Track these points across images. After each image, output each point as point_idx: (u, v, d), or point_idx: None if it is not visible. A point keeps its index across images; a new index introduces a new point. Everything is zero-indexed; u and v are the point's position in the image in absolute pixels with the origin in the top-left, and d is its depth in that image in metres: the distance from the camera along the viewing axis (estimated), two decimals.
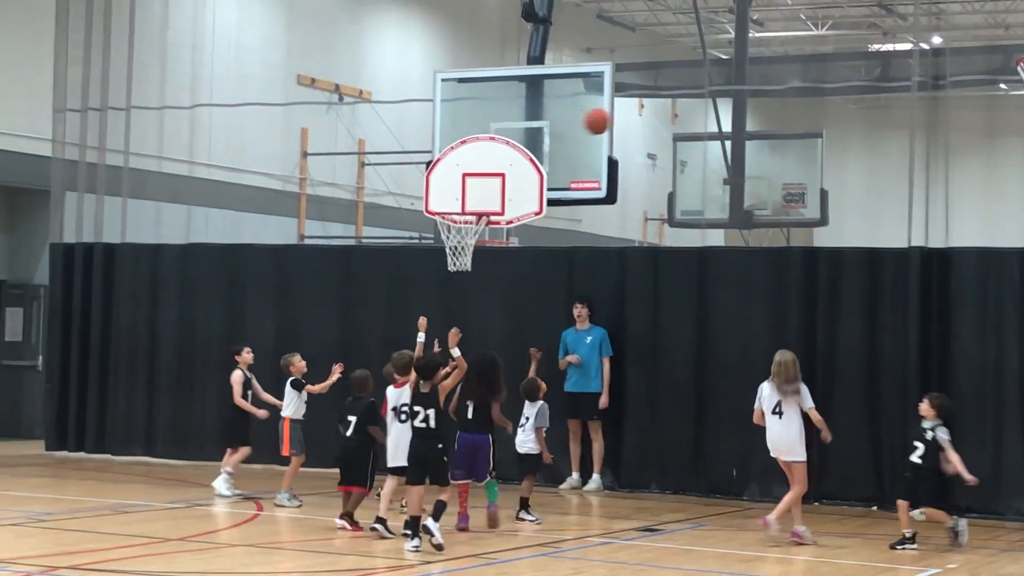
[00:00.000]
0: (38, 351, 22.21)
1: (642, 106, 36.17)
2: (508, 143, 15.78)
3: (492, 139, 15.91)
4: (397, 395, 13.11)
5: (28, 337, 22.77)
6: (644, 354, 17.49)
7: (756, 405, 13.94)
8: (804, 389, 13.81)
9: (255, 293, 19.48)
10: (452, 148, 15.96)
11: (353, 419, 13.55)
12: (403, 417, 12.92)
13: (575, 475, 17.41)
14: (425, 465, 12.42)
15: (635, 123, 36.08)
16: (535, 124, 16.79)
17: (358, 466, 13.47)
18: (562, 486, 17.40)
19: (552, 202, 16.07)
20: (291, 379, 15.36)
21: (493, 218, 15.79)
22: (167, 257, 20.12)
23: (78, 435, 20.01)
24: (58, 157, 21.09)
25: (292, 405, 15.28)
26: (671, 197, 25.20)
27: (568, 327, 17.48)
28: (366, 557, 12.15)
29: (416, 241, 25.24)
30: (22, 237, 22.65)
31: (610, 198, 16.56)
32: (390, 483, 13.03)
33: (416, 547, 12.02)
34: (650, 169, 36.00)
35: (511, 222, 15.97)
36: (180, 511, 14.39)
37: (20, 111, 21.53)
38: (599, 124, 14.69)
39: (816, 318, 16.84)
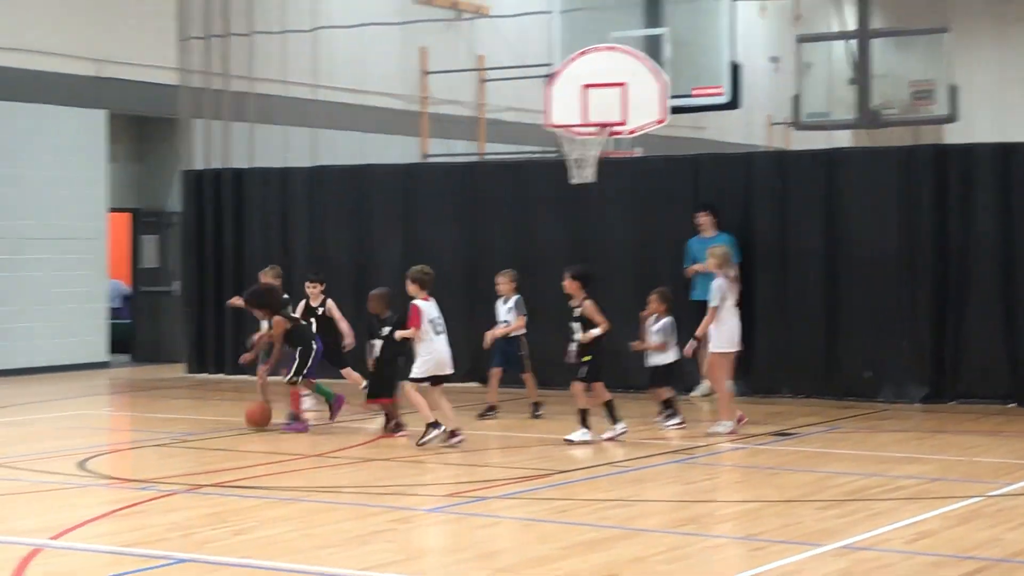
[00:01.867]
0: (172, 278, 22.66)
1: (764, 8, 35.60)
2: (628, 52, 15.69)
3: (612, 49, 15.83)
4: (430, 308, 13.31)
5: (164, 263, 23.25)
6: (773, 259, 17.38)
7: (717, 302, 13.98)
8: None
9: (381, 214, 19.66)
10: (572, 60, 15.92)
11: (376, 343, 14.04)
12: (439, 329, 13.26)
13: (705, 382, 17.39)
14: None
15: (757, 26, 35.53)
16: (655, 31, 16.68)
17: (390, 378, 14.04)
18: (693, 393, 17.42)
19: (675, 110, 15.99)
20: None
21: (615, 128, 15.74)
22: (295, 181, 20.37)
23: (217, 357, 20.44)
24: (184, 85, 21.38)
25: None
26: (796, 100, 24.72)
27: (693, 236, 17.41)
28: (507, 468, 12.30)
29: (539, 155, 25.23)
30: (153, 166, 23.06)
31: (734, 103, 16.42)
32: (436, 393, 13.27)
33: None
34: (773, 72, 35.47)
35: (633, 132, 15.91)
36: (318, 428, 14.64)
37: (146, 41, 21.83)
38: (254, 420, 14.43)
39: (948, 216, 16.61)
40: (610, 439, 13.51)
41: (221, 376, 20.18)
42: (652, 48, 16.36)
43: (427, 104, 26.49)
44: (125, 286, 24.24)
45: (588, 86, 15.66)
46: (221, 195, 20.63)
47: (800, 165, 17.67)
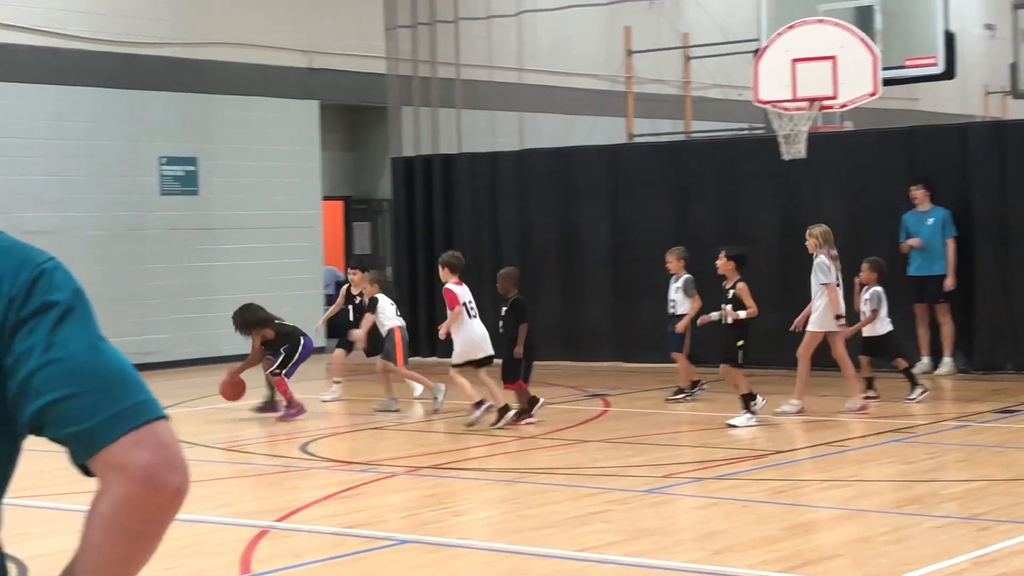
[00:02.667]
0: (385, 263, 23.03)
1: None
2: (838, 24, 15.40)
3: (821, 22, 15.55)
4: (463, 292, 13.44)
5: (376, 250, 23.64)
6: (992, 232, 16.90)
7: (827, 280, 13.82)
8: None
9: (588, 195, 19.68)
10: (779, 34, 15.69)
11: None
12: (471, 313, 13.38)
13: (925, 359, 17.03)
14: None
15: None
16: (865, 2, 16.31)
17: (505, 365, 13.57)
18: (918, 369, 17.04)
19: (887, 82, 15.63)
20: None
21: (826, 103, 15.47)
22: (503, 165, 20.51)
23: (430, 341, 20.68)
24: (392, 74, 21.70)
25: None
26: (1013, 68, 24.10)
27: (908, 209, 17.04)
28: (721, 449, 12.23)
29: (746, 132, 24.96)
30: (364, 154, 23.46)
31: (948, 73, 16.00)
32: (482, 375, 13.36)
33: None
34: (989, 40, 34.48)
35: (844, 105, 15.62)
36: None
37: (354, 32, 22.21)
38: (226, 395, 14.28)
39: None
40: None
41: (435, 359, 20.42)
42: (863, 19, 16.02)
43: (632, 84, 26.39)
44: (340, 272, 24.71)
45: (797, 60, 15.41)
46: (431, 181, 20.90)
47: (1019, 135, 17.14)
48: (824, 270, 13.85)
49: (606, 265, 19.35)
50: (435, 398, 14.58)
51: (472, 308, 13.52)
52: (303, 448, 12.42)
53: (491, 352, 13.55)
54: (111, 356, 2.10)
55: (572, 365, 18.93)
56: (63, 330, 2.07)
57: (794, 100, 15.48)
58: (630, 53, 26.34)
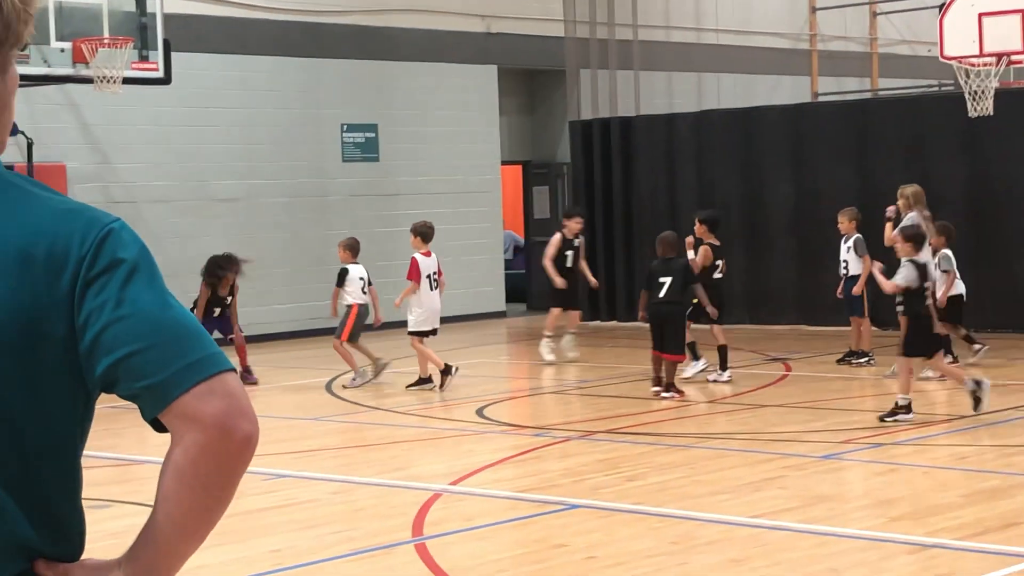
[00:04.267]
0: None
1: None
2: None
3: None
4: (429, 263, 13.51)
5: (555, 214, 23.64)
6: None
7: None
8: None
9: (770, 156, 19.41)
10: None
11: (667, 281, 12.82)
12: (433, 284, 13.43)
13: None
14: None
15: None
16: None
17: (675, 331, 12.88)
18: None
19: None
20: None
21: (1015, 58, 14.97)
22: (681, 126, 20.34)
23: (610, 305, 20.69)
24: (570, 36, 21.64)
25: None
26: None
27: None
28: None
29: (935, 89, 24.33)
30: (542, 118, 23.46)
31: None
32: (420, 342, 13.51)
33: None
34: None
35: None
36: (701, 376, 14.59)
37: None
38: None
39: None
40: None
41: (615, 323, 20.41)
42: None
43: (816, 42, 25.92)
44: (519, 237, 24.81)
45: (984, 14, 14.94)
46: (609, 144, 20.82)
47: None
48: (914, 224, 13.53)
49: (788, 227, 19.08)
50: (353, 379, 14.28)
51: (434, 279, 13.68)
52: (479, 412, 12.49)
53: (438, 326, 13.89)
54: (178, 312, 2.14)
55: (754, 328, 18.75)
56: (132, 287, 2.12)
57: (981, 55, 15.02)
58: (814, 10, 25.85)
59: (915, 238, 11.83)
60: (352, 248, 14.56)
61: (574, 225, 16.17)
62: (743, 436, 11.00)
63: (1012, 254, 17.23)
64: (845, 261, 14.82)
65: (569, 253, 16.04)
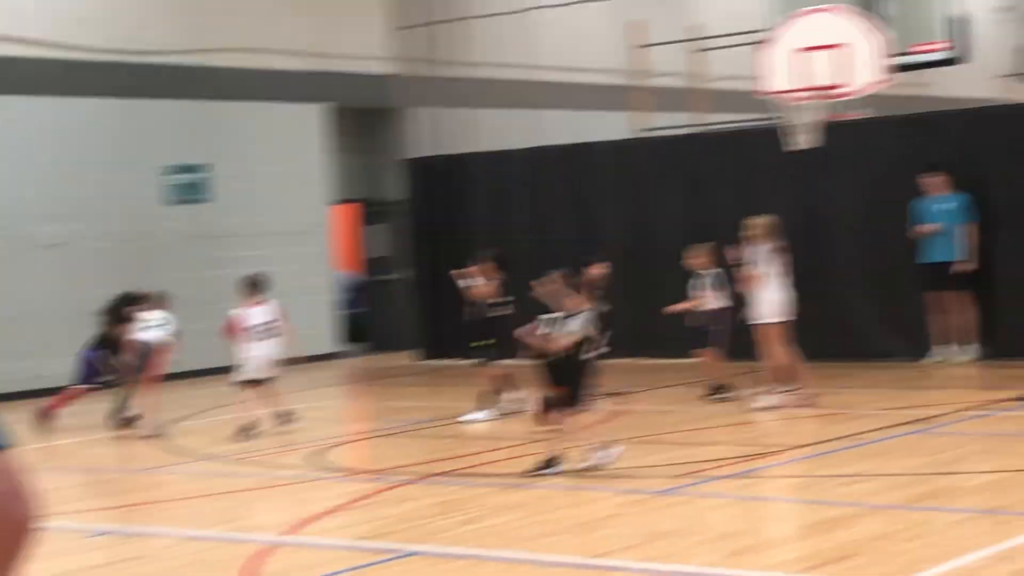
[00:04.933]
0: (400, 265, 22.87)
1: None
2: (845, 12, 15.21)
3: (828, 9, 15.37)
4: (256, 314, 13.75)
5: (391, 252, 23.49)
6: (1011, 217, 16.69)
7: (764, 269, 13.70)
8: None
9: (602, 191, 19.52)
10: (786, 24, 15.51)
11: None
12: (266, 333, 13.69)
13: (940, 347, 16.82)
14: None
15: None
16: None
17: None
18: (927, 359, 16.87)
19: (897, 68, 15.43)
20: None
21: (834, 91, 15.27)
22: (514, 163, 20.37)
23: (449, 343, 20.54)
24: (400, 74, 21.55)
25: None
26: (1022, 52, 23.94)
27: (923, 196, 16.84)
28: (738, 446, 12.06)
29: (760, 123, 24.72)
30: (375, 156, 23.32)
31: (960, 58, 15.79)
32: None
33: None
34: (1003, 23, 34.20)
35: (853, 94, 15.43)
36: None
37: (360, 33, 22.08)
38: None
39: None
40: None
41: (452, 362, 20.27)
42: (872, 6, 15.82)
43: (644, 78, 26.18)
44: (355, 276, 24.58)
45: (804, 49, 15.23)
46: (442, 181, 20.76)
47: None
48: (765, 259, 13.83)
49: (622, 260, 19.13)
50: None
51: (262, 330, 13.77)
52: (314, 457, 12.27)
53: (270, 375, 13.87)
54: None
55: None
56: None
57: (801, 90, 15.30)
58: (641, 47, 26.13)
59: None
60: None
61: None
62: (580, 473, 10.94)
63: (840, 284, 17.54)
64: (699, 296, 14.77)
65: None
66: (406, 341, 21.62)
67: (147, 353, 14.68)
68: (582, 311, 10.80)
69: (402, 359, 21.11)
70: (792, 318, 13.92)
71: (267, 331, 13.85)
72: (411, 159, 21.31)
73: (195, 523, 9.77)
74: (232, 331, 13.83)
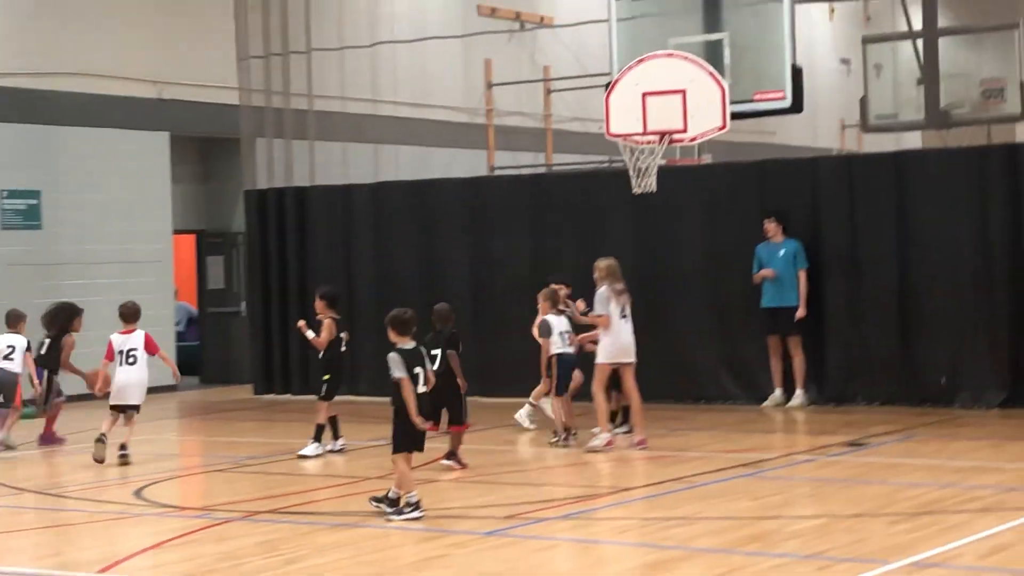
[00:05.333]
0: (240, 298, 22.61)
1: (833, 11, 35.12)
2: (687, 58, 15.40)
3: (671, 55, 15.55)
4: (123, 340, 13.99)
5: (230, 284, 23.21)
6: (843, 264, 17.00)
7: (601, 311, 13.85)
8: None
9: (447, 228, 19.49)
10: (630, 68, 15.65)
11: (438, 353, 12.66)
12: (131, 360, 13.95)
13: (778, 391, 17.05)
14: None
15: (826, 28, 35.14)
16: (715, 36, 16.37)
17: (454, 406, 12.82)
18: (765, 403, 17.08)
19: (736, 116, 15.66)
20: None
21: (676, 136, 15.44)
22: (357, 197, 20.24)
23: (284, 378, 20.33)
24: (245, 104, 21.33)
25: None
26: (863, 102, 24.37)
27: (761, 242, 17.09)
28: (569, 487, 12.04)
29: (606, 165, 24.95)
30: (217, 186, 23.04)
31: (796, 107, 16.10)
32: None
33: None
34: (845, 75, 35.00)
35: (694, 139, 15.61)
36: (386, 448, 14.41)
37: (206, 62, 21.82)
38: None
39: (1022, 216, 16.16)
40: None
41: (288, 397, 20.06)
42: (713, 54, 16.06)
43: (492, 116, 26.29)
44: (193, 308, 24.23)
45: (647, 94, 15.38)
46: (284, 214, 20.56)
47: (868, 168, 17.30)
48: (602, 302, 13.86)
49: (466, 298, 19.11)
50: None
51: (130, 355, 13.96)
52: (138, 493, 12.00)
53: (135, 402, 14.01)
54: None
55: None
56: None
57: (644, 133, 15.45)
58: (490, 86, 26.24)
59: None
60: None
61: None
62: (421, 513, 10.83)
63: (681, 327, 17.69)
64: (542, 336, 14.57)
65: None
66: (243, 375, 21.33)
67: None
68: (395, 350, 10.73)
69: (238, 393, 20.80)
70: (631, 360, 13.98)
71: (130, 358, 13.97)
72: (251, 190, 21.06)
73: (14, 558, 9.47)
74: (108, 354, 14.04)
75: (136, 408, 14.07)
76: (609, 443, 13.70)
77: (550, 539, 9.81)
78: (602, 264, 14.17)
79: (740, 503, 10.98)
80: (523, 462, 13.64)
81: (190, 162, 22.74)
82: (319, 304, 14.29)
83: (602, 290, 13.97)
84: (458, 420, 12.89)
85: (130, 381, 13.97)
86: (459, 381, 12.88)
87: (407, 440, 10.57)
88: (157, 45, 21.32)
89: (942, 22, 21.45)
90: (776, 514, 10.54)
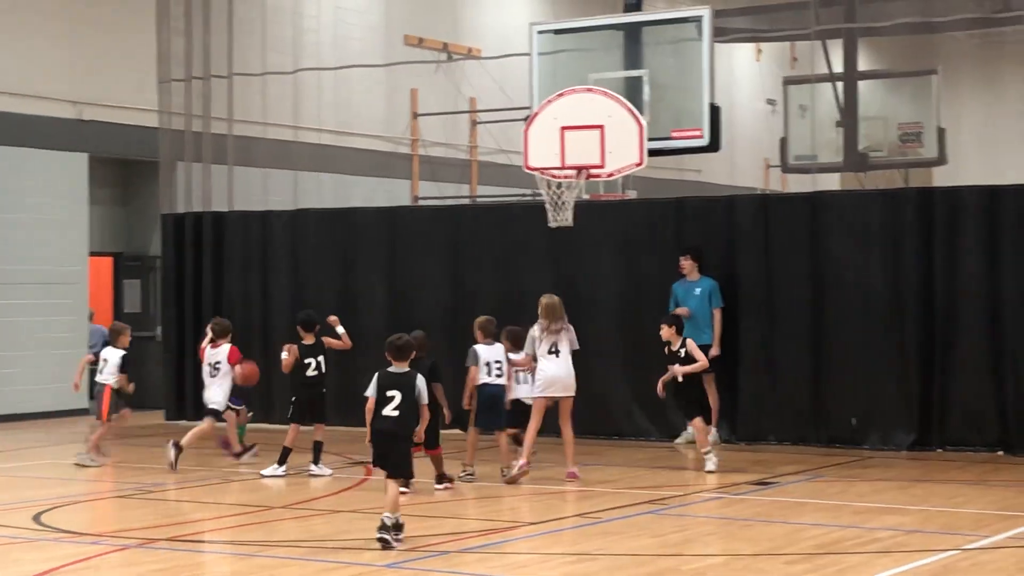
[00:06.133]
0: (156, 322, 22.39)
1: (760, 51, 35.46)
2: (606, 94, 15.47)
3: (590, 91, 15.62)
4: (212, 354, 15.24)
5: (146, 308, 22.99)
6: (757, 303, 17.10)
7: (528, 351, 14.03)
8: (572, 330, 14.21)
9: (366, 257, 19.43)
10: (549, 102, 15.70)
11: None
12: (214, 372, 15.17)
13: (690, 429, 17.06)
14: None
15: (752, 69, 35.45)
16: (634, 73, 16.46)
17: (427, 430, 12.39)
18: (677, 440, 17.13)
19: (654, 152, 15.75)
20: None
21: (593, 171, 15.49)
22: (276, 224, 20.13)
23: (196, 405, 20.09)
24: (164, 128, 21.18)
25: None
26: (783, 142, 24.65)
27: (678, 279, 17.15)
28: (477, 520, 11.99)
29: (528, 198, 24.98)
30: (135, 209, 22.85)
31: (713, 146, 16.20)
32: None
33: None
34: (771, 115, 35.32)
35: (611, 175, 15.65)
36: (287, 478, 14.34)
37: (126, 84, 21.66)
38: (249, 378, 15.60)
39: (934, 260, 16.33)
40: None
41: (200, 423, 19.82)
42: (632, 90, 16.15)
43: (417, 147, 26.28)
44: (107, 330, 23.91)
45: (566, 128, 15.43)
46: (201, 239, 20.41)
47: (783, 208, 17.42)
48: (530, 342, 14.04)
49: (383, 328, 18.96)
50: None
51: (216, 367, 14.85)
52: (36, 518, 11.82)
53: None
54: None
55: (345, 431, 18.52)
56: None
57: (562, 168, 15.49)
58: (415, 116, 26.24)
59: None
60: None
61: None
62: (309, 544, 10.75)
63: (594, 362, 17.67)
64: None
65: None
66: (155, 400, 21.11)
67: None
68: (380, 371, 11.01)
69: (151, 418, 20.58)
70: (565, 395, 14.00)
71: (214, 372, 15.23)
72: (168, 214, 20.90)
73: None
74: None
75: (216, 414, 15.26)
76: (523, 469, 13.73)
77: (449, 572, 9.76)
78: (542, 301, 14.24)
79: (642, 540, 10.97)
80: (439, 494, 13.53)
81: (109, 184, 22.54)
82: (298, 328, 14.85)
83: (532, 328, 14.05)
84: (433, 444, 13.18)
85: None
86: (444, 412, 13.48)
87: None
88: (78, 65, 21.15)
89: (862, 66, 21.80)
90: (676, 552, 10.54)
